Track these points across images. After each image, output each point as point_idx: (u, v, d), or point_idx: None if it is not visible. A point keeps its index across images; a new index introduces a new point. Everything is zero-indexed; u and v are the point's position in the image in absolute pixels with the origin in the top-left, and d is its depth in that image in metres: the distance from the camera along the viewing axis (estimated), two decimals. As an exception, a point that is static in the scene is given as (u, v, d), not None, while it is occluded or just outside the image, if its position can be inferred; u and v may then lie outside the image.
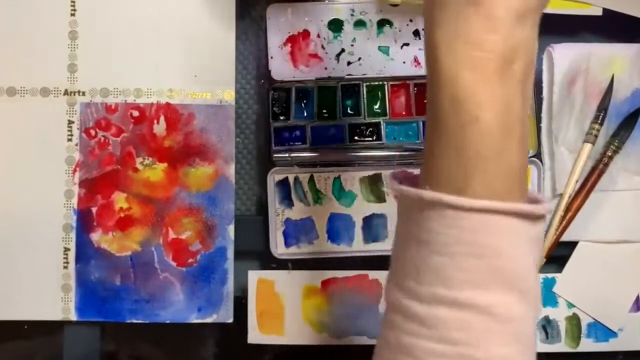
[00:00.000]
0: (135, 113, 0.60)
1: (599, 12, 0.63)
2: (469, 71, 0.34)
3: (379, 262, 0.61)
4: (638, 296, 0.63)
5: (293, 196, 0.60)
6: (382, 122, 0.60)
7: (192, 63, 0.61)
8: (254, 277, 0.61)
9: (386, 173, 0.61)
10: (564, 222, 0.61)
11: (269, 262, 0.61)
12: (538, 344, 0.62)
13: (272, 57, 0.60)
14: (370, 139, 0.61)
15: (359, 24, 0.62)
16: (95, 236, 0.60)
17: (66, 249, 0.60)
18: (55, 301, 0.59)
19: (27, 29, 0.60)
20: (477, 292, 0.34)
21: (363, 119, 0.60)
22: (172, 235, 0.60)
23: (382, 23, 0.62)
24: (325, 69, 0.61)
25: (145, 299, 0.60)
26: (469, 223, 0.34)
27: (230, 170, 0.60)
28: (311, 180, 0.61)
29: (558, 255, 0.62)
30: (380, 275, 0.61)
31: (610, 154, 0.61)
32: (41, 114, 0.60)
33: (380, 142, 0.60)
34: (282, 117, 0.60)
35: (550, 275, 0.62)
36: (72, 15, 0.60)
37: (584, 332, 0.62)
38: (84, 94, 0.60)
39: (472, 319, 0.34)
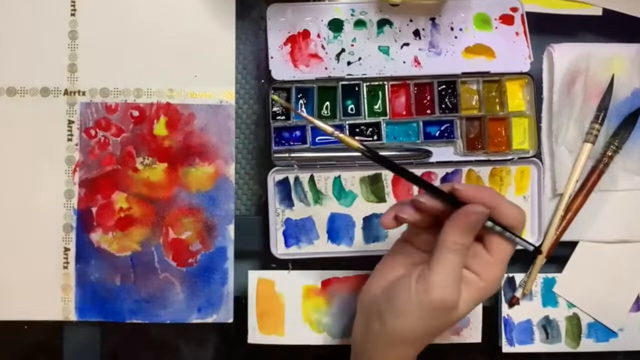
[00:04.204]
0: (135, 113, 0.60)
1: (599, 12, 0.63)
2: None
3: (379, 262, 0.61)
4: (638, 296, 0.63)
5: (293, 196, 0.60)
6: (382, 122, 0.60)
7: (192, 63, 0.61)
8: (254, 277, 0.61)
9: (386, 173, 0.61)
10: (564, 222, 0.61)
11: (269, 262, 0.61)
12: (538, 344, 0.62)
13: (272, 57, 0.60)
14: (370, 139, 0.61)
15: (359, 23, 0.62)
16: (95, 236, 0.60)
17: (66, 249, 0.60)
18: (55, 301, 0.59)
19: (27, 29, 0.60)
20: None
21: (363, 118, 0.60)
22: (172, 235, 0.60)
23: (382, 23, 0.62)
24: (325, 69, 0.61)
25: (145, 299, 0.60)
26: None
27: (230, 170, 0.60)
28: (311, 180, 0.61)
29: (558, 255, 0.62)
30: (381, 275, 0.61)
31: (610, 153, 0.61)
32: (41, 114, 0.60)
33: (381, 142, 0.60)
34: (282, 117, 0.60)
35: (550, 275, 0.62)
36: (72, 15, 0.60)
37: (584, 332, 0.62)
38: (84, 93, 0.60)
39: None
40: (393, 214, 0.49)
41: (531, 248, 0.47)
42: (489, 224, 0.47)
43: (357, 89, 0.60)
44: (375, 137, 0.61)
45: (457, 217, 0.46)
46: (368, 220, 0.61)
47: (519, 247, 0.48)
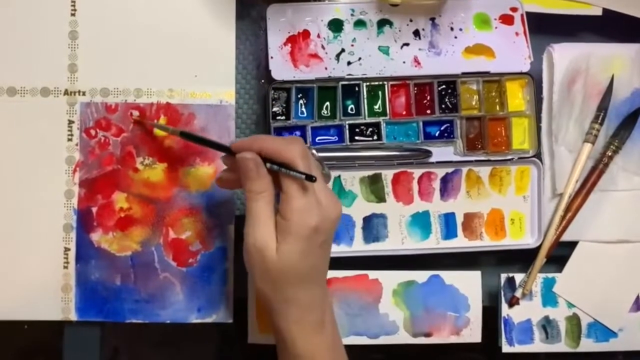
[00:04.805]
0: (136, 113, 0.60)
1: (599, 12, 0.63)
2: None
3: (379, 262, 0.61)
4: (638, 296, 0.63)
5: (293, 196, 0.60)
6: (382, 122, 0.60)
7: (192, 63, 0.61)
8: (254, 277, 0.60)
9: (386, 173, 0.61)
10: (564, 222, 0.61)
11: (269, 262, 0.61)
12: (538, 344, 0.62)
13: (272, 57, 0.60)
14: (370, 139, 0.61)
15: (359, 24, 0.62)
16: (96, 236, 0.60)
17: (66, 249, 0.60)
18: (55, 301, 0.59)
19: (27, 29, 0.60)
20: None
21: (363, 118, 0.60)
22: (172, 235, 0.60)
23: (382, 23, 0.62)
24: (325, 69, 0.61)
25: (145, 299, 0.60)
26: None
27: (231, 170, 0.61)
28: (311, 180, 0.61)
29: (558, 255, 0.62)
30: (380, 275, 0.61)
31: (610, 153, 0.61)
32: (41, 114, 0.60)
33: (380, 142, 0.60)
34: (282, 117, 0.60)
35: (550, 275, 0.63)
36: (72, 15, 0.60)
37: (584, 332, 0.62)
38: (84, 93, 0.60)
39: None
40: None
41: (303, 177, 0.48)
42: (274, 167, 0.49)
43: (357, 89, 0.60)
44: (375, 137, 0.61)
45: (238, 169, 0.50)
46: (368, 220, 0.61)
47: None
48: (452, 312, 0.62)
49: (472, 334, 0.62)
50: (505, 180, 0.62)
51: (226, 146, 0.52)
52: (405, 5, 0.61)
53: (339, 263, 0.61)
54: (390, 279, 0.61)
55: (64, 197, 0.60)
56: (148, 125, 0.60)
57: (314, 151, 0.55)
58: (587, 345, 0.62)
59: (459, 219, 0.62)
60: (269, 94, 0.60)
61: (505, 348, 0.62)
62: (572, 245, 0.62)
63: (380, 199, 0.61)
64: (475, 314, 0.62)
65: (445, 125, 0.61)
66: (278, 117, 0.60)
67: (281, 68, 0.60)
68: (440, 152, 0.61)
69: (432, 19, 0.62)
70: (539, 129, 0.62)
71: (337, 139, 0.61)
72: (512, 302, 0.62)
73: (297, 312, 0.50)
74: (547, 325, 0.62)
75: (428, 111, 0.61)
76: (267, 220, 0.49)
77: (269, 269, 0.49)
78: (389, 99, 0.61)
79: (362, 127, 0.61)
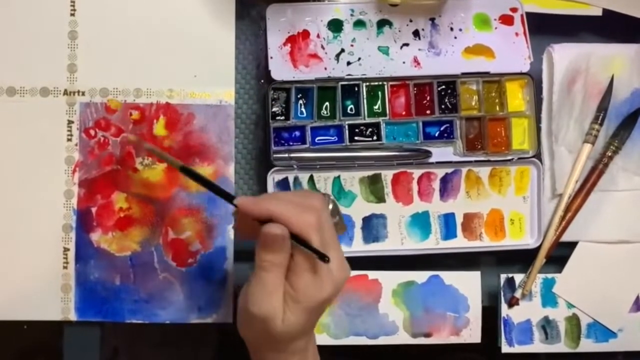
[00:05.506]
0: (135, 113, 0.60)
1: (599, 12, 0.63)
2: None
3: (379, 262, 0.61)
4: (638, 296, 0.63)
5: (293, 196, 0.60)
6: (381, 122, 0.60)
7: (192, 63, 0.61)
8: (254, 277, 0.60)
9: (386, 173, 0.61)
10: (564, 222, 0.61)
11: (269, 262, 0.61)
12: (538, 345, 0.62)
13: (271, 57, 0.60)
14: (370, 139, 0.61)
15: (359, 24, 0.62)
16: (95, 236, 0.60)
17: (66, 249, 0.60)
18: (55, 301, 0.59)
19: (27, 29, 0.60)
20: None
21: (363, 119, 0.60)
22: (171, 235, 0.60)
23: (381, 23, 0.62)
24: (325, 69, 0.61)
25: (145, 299, 0.60)
26: None
27: (230, 170, 0.60)
28: (311, 180, 0.61)
29: (558, 256, 0.62)
30: (380, 276, 0.61)
31: (610, 154, 0.61)
32: (41, 114, 0.60)
33: (380, 142, 0.60)
34: (281, 117, 0.60)
35: (550, 276, 0.63)
36: (72, 15, 0.60)
37: (583, 332, 0.62)
38: (83, 94, 0.60)
39: None
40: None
41: (316, 256, 0.44)
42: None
43: (356, 89, 0.60)
44: (374, 137, 0.61)
45: (260, 235, 0.45)
46: (368, 221, 0.61)
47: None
48: (451, 312, 0.62)
49: (472, 334, 0.62)
50: (505, 181, 0.62)
51: (231, 197, 0.47)
52: (405, 5, 0.61)
53: (338, 263, 0.61)
54: (389, 279, 0.61)
55: (64, 197, 0.60)
56: (145, 149, 0.58)
57: (331, 197, 0.52)
58: (587, 345, 0.62)
59: (459, 220, 0.62)
60: (269, 94, 0.60)
61: (505, 348, 0.62)
62: (572, 245, 0.62)
63: (380, 199, 0.61)
64: (474, 315, 0.62)
65: (444, 126, 0.61)
66: (277, 117, 0.60)
67: (281, 68, 0.60)
68: (440, 152, 0.61)
69: (432, 19, 0.62)
70: (538, 129, 0.62)
71: (336, 139, 0.61)
72: (512, 303, 0.62)
73: (290, 357, 0.48)
74: (547, 326, 0.62)
75: (428, 111, 0.61)
76: (276, 290, 0.45)
77: (271, 336, 0.46)
78: (389, 99, 0.61)
79: (362, 127, 0.61)
